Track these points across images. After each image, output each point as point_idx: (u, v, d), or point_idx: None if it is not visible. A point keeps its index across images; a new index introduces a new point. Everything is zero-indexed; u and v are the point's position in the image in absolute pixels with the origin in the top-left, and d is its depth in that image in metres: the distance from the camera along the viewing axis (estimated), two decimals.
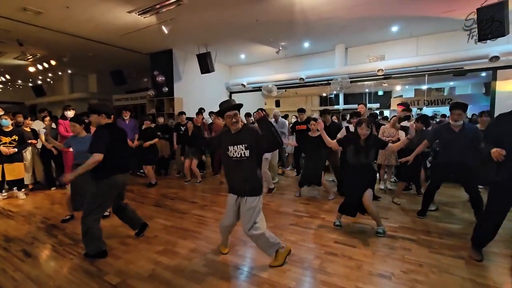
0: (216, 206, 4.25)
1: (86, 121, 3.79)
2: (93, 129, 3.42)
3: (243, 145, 2.31)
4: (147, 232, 3.22)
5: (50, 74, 10.56)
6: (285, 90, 9.89)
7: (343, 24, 5.77)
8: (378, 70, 6.47)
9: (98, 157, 2.50)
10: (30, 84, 11.18)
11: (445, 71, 6.32)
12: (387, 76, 6.90)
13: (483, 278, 2.25)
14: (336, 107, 17.05)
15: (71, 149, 3.98)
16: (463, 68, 6.05)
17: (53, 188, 5.43)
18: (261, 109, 5.37)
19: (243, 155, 2.32)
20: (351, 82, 7.23)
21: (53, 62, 8.02)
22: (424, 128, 4.02)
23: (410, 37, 6.62)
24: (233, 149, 2.34)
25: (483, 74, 8.03)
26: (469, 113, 8.85)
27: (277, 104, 17.96)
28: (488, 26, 4.18)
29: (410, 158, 3.59)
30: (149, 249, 2.84)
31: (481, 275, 2.30)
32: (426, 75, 6.66)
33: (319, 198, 4.59)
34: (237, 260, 2.59)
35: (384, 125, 4.96)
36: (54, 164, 5.55)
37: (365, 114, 5.40)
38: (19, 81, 11.62)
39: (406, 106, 5.27)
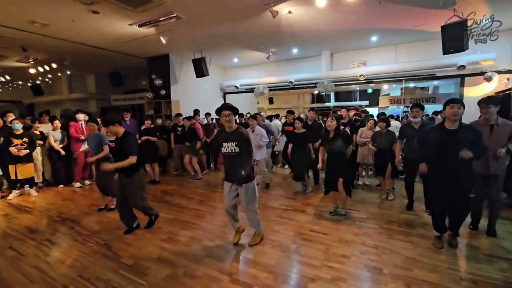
0: (212, 201, 4.80)
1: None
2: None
3: (234, 143, 2.86)
4: None
5: (49, 75, 10.88)
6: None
7: (327, 34, 6.29)
8: (360, 76, 7.03)
9: (135, 159, 3.22)
10: (29, 84, 11.50)
11: (420, 77, 6.92)
12: (368, 81, 7.47)
13: (423, 257, 2.85)
14: (327, 104, 17.68)
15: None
16: (435, 74, 6.65)
17: (60, 186, 5.91)
18: (257, 113, 5.94)
19: (234, 151, 2.87)
20: (336, 85, 7.80)
21: (54, 65, 8.41)
22: (386, 128, 4.58)
23: (389, 45, 7.18)
24: (227, 145, 2.89)
25: None
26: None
27: (270, 101, 18.50)
28: (450, 41, 4.75)
29: (397, 158, 4.22)
30: (155, 237, 3.38)
31: (422, 254, 2.89)
32: (403, 80, 7.26)
33: (304, 194, 5.15)
34: (228, 246, 3.15)
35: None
36: (62, 164, 6.01)
37: (347, 117, 5.95)
38: (19, 82, 11.90)
39: (357, 110, 5.86)
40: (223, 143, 2.92)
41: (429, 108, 10.68)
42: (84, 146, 5.71)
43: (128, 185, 3.34)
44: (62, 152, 5.75)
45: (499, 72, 5.92)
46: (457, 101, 2.81)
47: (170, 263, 2.79)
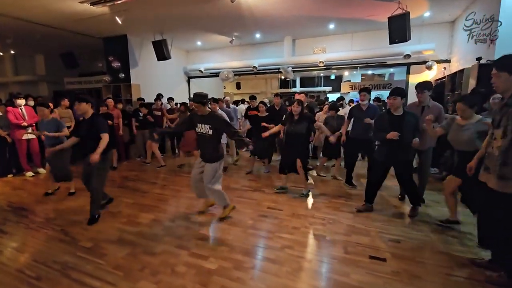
0: (175, 185, 4.88)
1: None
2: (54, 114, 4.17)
3: (208, 126, 3.17)
4: (112, 208, 3.79)
5: None
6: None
7: (287, 20, 6.44)
8: (319, 62, 7.35)
9: (107, 136, 3.28)
10: None
11: (372, 64, 7.43)
12: (327, 67, 7.84)
13: (361, 224, 3.27)
14: (293, 89, 18.07)
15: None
16: (386, 62, 7.19)
17: (9, 176, 5.55)
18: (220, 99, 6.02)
19: (207, 133, 3.18)
20: (298, 71, 8.11)
21: None
22: (336, 113, 4.96)
23: (346, 33, 7.55)
24: (201, 126, 3.21)
25: None
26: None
27: (238, 86, 18.44)
28: (395, 32, 5.17)
29: (334, 138, 4.56)
30: (114, 221, 3.43)
31: (360, 222, 3.31)
32: (358, 67, 7.74)
33: (265, 175, 5.44)
34: (189, 224, 3.31)
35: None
36: (9, 152, 5.61)
37: (305, 101, 6.26)
38: None
39: (305, 94, 6.31)
40: (198, 124, 3.24)
41: (385, 94, 11.53)
42: (28, 134, 5.40)
43: (91, 167, 3.34)
44: (9, 139, 5.37)
45: (438, 61, 6.58)
46: (392, 93, 3.25)
47: (130, 243, 2.89)
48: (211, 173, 3.24)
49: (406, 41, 5.16)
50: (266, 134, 4.28)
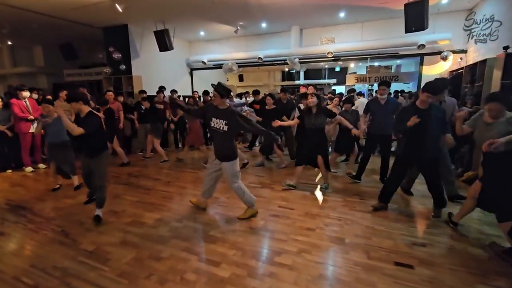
0: (180, 182, 4.67)
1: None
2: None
3: (224, 121, 2.94)
4: (115, 206, 3.60)
5: None
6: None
7: (295, 8, 6.12)
8: (328, 53, 7.05)
9: (79, 132, 2.94)
10: None
11: (384, 55, 7.12)
12: (336, 58, 7.53)
13: (380, 225, 3.06)
14: (297, 82, 17.71)
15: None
16: (398, 53, 6.88)
17: (8, 171, 5.37)
18: None
19: (222, 129, 2.96)
20: (305, 62, 7.80)
21: None
22: (351, 107, 4.74)
23: (356, 22, 7.21)
24: (215, 121, 2.98)
25: None
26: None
27: (240, 79, 18.10)
28: (412, 20, 4.87)
29: (361, 130, 4.35)
30: (118, 221, 3.23)
31: (379, 223, 3.10)
32: (368, 58, 7.43)
33: (273, 169, 5.23)
34: (196, 225, 3.12)
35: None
36: (7, 146, 5.42)
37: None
38: None
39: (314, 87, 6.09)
40: (212, 118, 3.00)
41: (391, 87, 11.22)
42: (34, 127, 5.24)
43: (91, 165, 3.20)
44: (9, 134, 5.17)
45: (454, 52, 6.26)
46: (428, 90, 2.96)
47: (135, 246, 2.69)
48: (231, 173, 3.09)
49: (423, 29, 4.86)
50: (277, 123, 4.01)
